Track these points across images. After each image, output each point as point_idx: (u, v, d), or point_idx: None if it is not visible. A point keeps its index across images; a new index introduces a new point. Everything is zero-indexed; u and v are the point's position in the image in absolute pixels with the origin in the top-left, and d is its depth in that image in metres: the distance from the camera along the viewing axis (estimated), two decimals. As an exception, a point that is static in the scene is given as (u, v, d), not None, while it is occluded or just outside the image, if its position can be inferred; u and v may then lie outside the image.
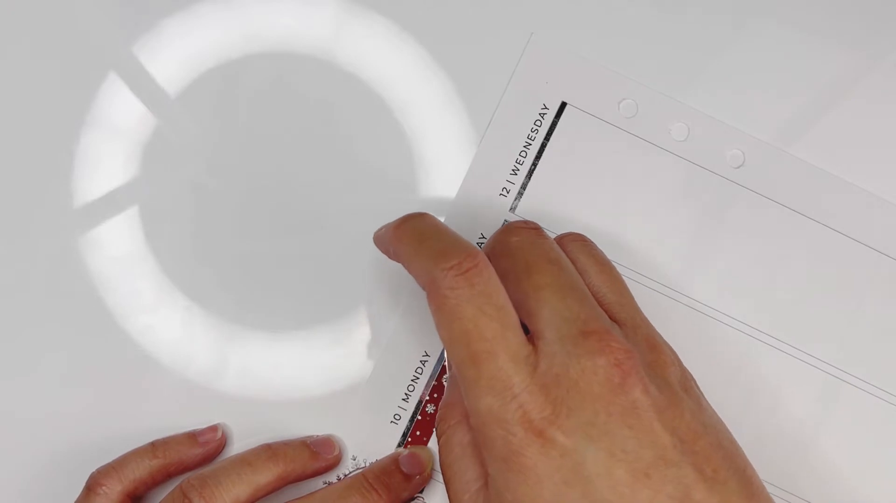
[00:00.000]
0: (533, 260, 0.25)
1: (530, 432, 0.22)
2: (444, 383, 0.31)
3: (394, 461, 0.30)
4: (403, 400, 0.31)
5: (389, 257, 0.27)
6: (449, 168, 0.31)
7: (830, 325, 0.31)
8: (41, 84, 0.32)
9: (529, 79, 0.31)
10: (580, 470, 0.22)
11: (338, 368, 0.31)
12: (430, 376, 0.31)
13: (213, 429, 0.31)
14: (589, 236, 0.29)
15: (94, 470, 0.29)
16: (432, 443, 0.31)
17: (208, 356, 0.31)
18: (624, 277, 0.28)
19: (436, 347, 0.31)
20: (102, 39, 0.32)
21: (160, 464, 0.30)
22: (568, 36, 0.31)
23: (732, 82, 0.31)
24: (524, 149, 0.31)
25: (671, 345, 0.26)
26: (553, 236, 0.28)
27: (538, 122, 0.31)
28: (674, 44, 0.31)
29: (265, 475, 0.29)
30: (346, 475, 0.31)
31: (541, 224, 0.28)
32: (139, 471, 0.29)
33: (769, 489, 0.25)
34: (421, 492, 0.31)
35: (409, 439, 0.31)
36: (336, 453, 0.30)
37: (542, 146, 0.31)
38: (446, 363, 0.31)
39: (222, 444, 0.31)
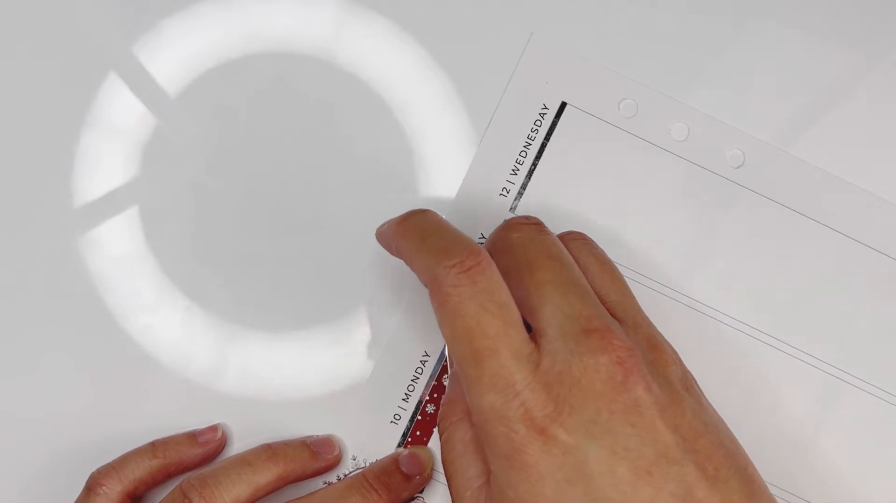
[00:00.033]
0: (534, 256, 0.25)
1: (532, 430, 0.23)
2: (445, 383, 0.31)
3: (394, 461, 0.30)
4: (403, 400, 0.31)
5: (392, 253, 0.27)
6: (449, 168, 0.31)
7: (830, 325, 0.31)
8: (41, 84, 0.32)
9: (529, 79, 0.31)
10: (582, 468, 0.22)
11: (338, 368, 0.31)
12: (430, 376, 0.31)
13: (213, 429, 0.31)
14: (589, 236, 0.29)
15: (94, 470, 0.29)
16: (432, 443, 0.31)
17: (208, 356, 0.31)
18: (624, 277, 0.28)
19: (436, 347, 0.31)
20: (102, 39, 0.32)
21: (160, 464, 0.30)
22: (568, 36, 0.31)
23: (732, 82, 0.31)
24: (524, 149, 0.31)
25: (671, 344, 0.26)
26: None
27: (538, 122, 0.31)
28: (674, 44, 0.31)
29: (265, 475, 0.29)
30: (346, 475, 0.31)
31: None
32: (139, 471, 0.29)
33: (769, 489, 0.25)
34: (421, 492, 0.31)
35: (409, 439, 0.31)
36: (336, 453, 0.30)
37: (542, 146, 0.31)
38: (448, 361, 0.31)
39: (222, 444, 0.31)
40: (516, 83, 0.31)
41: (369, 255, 0.31)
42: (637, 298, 0.27)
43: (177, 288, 0.32)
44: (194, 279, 0.32)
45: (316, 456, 0.30)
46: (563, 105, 0.31)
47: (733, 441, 0.24)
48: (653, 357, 0.25)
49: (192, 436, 0.30)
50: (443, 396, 0.29)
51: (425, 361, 0.31)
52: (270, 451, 0.29)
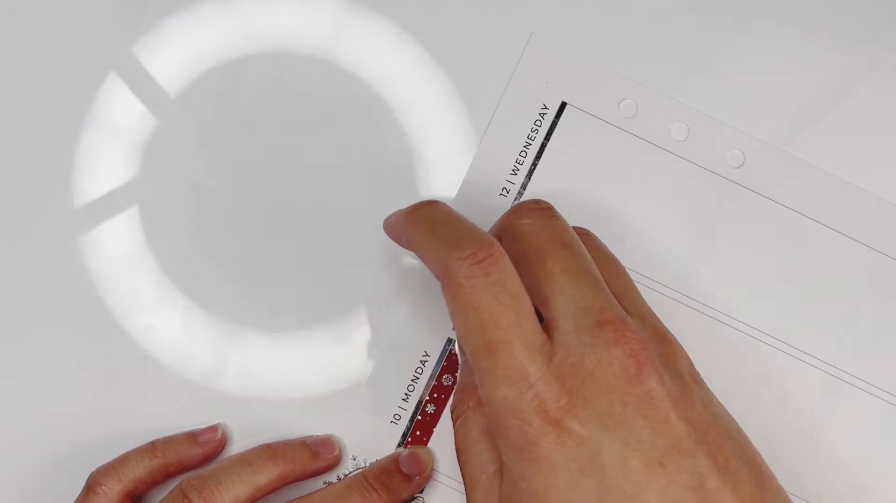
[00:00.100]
0: (546, 244, 0.25)
1: (546, 422, 0.22)
2: (445, 383, 0.31)
3: (394, 461, 0.30)
4: (403, 400, 0.31)
5: (400, 245, 0.27)
6: (449, 168, 0.31)
7: (830, 325, 0.31)
8: (41, 84, 0.32)
9: (529, 79, 0.31)
10: (596, 459, 0.22)
11: (338, 368, 0.31)
12: (430, 376, 0.31)
13: (213, 429, 0.31)
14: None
15: (93, 469, 0.29)
16: (432, 443, 0.31)
17: (208, 356, 0.31)
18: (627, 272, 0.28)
19: (436, 347, 0.31)
20: (102, 39, 0.32)
21: (160, 463, 0.30)
22: (568, 36, 0.31)
23: (732, 82, 0.31)
24: (524, 149, 0.31)
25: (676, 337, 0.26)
26: None
27: (538, 122, 0.31)
28: (674, 44, 0.31)
29: (265, 475, 0.29)
30: (346, 475, 0.31)
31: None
32: (139, 471, 0.29)
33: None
34: (421, 492, 0.31)
35: (409, 439, 0.31)
36: (336, 453, 0.30)
37: (542, 146, 0.31)
38: (457, 351, 0.31)
39: (222, 444, 0.31)
40: (516, 83, 0.31)
41: (370, 255, 0.31)
42: (637, 298, 0.27)
43: (177, 288, 0.32)
44: (194, 279, 0.32)
45: (316, 456, 0.30)
46: (563, 105, 0.31)
47: (740, 433, 0.25)
48: (662, 350, 0.25)
49: (192, 436, 0.30)
50: (455, 385, 0.29)
51: (425, 361, 0.31)
52: (270, 451, 0.29)
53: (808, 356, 0.31)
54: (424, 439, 0.31)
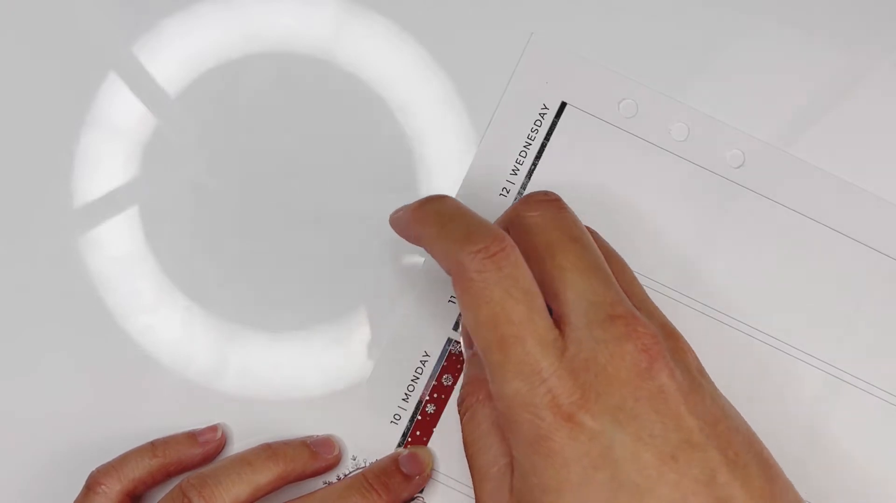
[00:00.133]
0: (555, 238, 0.25)
1: (559, 417, 0.22)
2: (445, 383, 0.31)
3: (393, 461, 0.30)
4: (403, 400, 0.31)
5: (408, 240, 0.27)
6: (449, 168, 0.31)
7: (830, 325, 0.31)
8: (41, 84, 0.32)
9: (529, 79, 0.31)
10: (608, 454, 0.22)
11: (338, 368, 0.31)
12: (430, 376, 0.31)
13: (213, 429, 0.31)
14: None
15: (93, 469, 0.29)
16: (432, 443, 0.31)
17: (208, 356, 0.31)
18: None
19: (436, 347, 0.31)
20: (102, 39, 0.32)
21: (160, 463, 0.30)
22: (568, 36, 0.31)
23: (732, 82, 0.31)
24: (524, 149, 0.31)
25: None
26: None
27: (538, 122, 0.31)
28: (674, 44, 0.31)
29: (265, 475, 0.29)
30: (346, 475, 0.31)
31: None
32: (139, 471, 0.29)
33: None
34: (421, 492, 0.31)
35: (409, 439, 0.31)
36: (336, 453, 0.30)
37: (542, 146, 0.31)
38: (461, 346, 0.31)
39: (222, 444, 0.31)
40: (516, 83, 0.31)
41: (369, 255, 0.31)
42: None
43: (177, 288, 0.32)
44: (194, 279, 0.32)
45: (316, 456, 0.30)
46: (563, 105, 0.31)
47: (747, 427, 0.25)
48: (670, 344, 0.25)
49: (192, 436, 0.30)
50: (456, 384, 0.28)
51: (425, 361, 0.31)
52: (270, 451, 0.29)
53: (808, 356, 0.31)
54: (424, 439, 0.31)
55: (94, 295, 0.32)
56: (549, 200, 0.26)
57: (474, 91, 0.31)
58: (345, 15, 0.32)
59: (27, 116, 0.32)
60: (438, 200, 0.26)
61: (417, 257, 0.31)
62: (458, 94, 0.31)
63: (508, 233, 0.25)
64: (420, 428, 0.31)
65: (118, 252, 0.32)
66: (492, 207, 0.31)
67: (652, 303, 0.27)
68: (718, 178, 0.31)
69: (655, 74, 0.31)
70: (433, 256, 0.25)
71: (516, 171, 0.31)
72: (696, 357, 0.26)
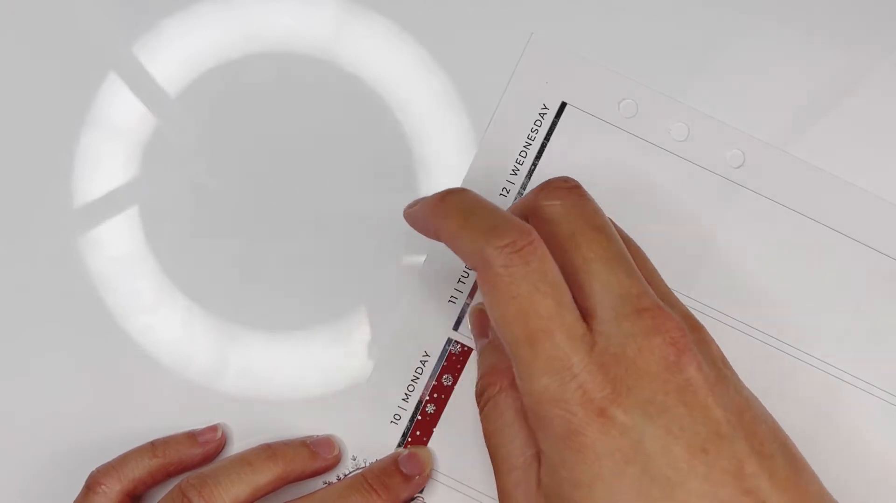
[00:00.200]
0: (579, 228, 0.25)
1: (591, 411, 0.22)
2: (445, 383, 0.31)
3: (393, 461, 0.30)
4: (403, 400, 0.31)
5: (425, 234, 0.27)
6: (449, 168, 0.31)
7: (830, 325, 0.31)
8: (41, 84, 0.32)
9: (529, 79, 0.31)
10: (640, 447, 0.22)
11: (338, 368, 0.31)
12: (430, 376, 0.31)
13: (213, 429, 0.31)
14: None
15: (93, 469, 0.29)
16: (432, 443, 0.31)
17: (208, 356, 0.31)
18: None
19: (436, 347, 0.31)
20: (102, 39, 0.32)
21: (160, 463, 0.30)
22: (568, 36, 0.31)
23: (732, 82, 0.31)
24: (524, 149, 0.31)
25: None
26: None
27: (538, 122, 0.31)
28: (674, 44, 0.31)
29: (265, 475, 0.29)
30: (346, 475, 0.31)
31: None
32: (139, 471, 0.29)
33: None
34: (421, 492, 0.31)
35: (409, 439, 0.31)
36: (336, 453, 0.30)
37: (542, 146, 0.31)
38: (474, 337, 0.30)
39: (222, 444, 0.31)
40: (516, 83, 0.31)
41: (369, 255, 0.31)
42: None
43: (177, 288, 0.32)
44: (194, 279, 0.32)
45: (315, 456, 0.30)
46: (563, 105, 0.31)
47: (771, 416, 0.25)
48: (695, 336, 0.25)
49: (192, 436, 0.30)
50: (479, 370, 0.28)
51: (425, 361, 0.31)
52: (270, 451, 0.29)
53: (808, 356, 0.31)
54: (424, 439, 0.31)
55: (94, 295, 0.32)
56: (570, 188, 0.26)
57: (474, 91, 0.31)
58: (345, 15, 0.32)
59: (27, 116, 0.32)
60: (459, 193, 0.25)
61: (417, 257, 0.31)
62: (458, 94, 0.31)
63: (527, 221, 0.25)
64: (420, 428, 0.31)
65: (118, 252, 0.32)
66: (492, 207, 0.31)
67: (672, 293, 0.27)
68: (718, 178, 0.31)
69: (655, 74, 0.31)
70: (455, 251, 0.25)
71: (516, 171, 0.31)
72: (719, 347, 0.26)
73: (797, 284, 0.31)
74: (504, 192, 0.31)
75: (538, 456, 0.25)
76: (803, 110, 0.31)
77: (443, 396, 0.31)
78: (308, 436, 0.31)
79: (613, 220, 0.29)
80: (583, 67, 0.31)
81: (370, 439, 0.31)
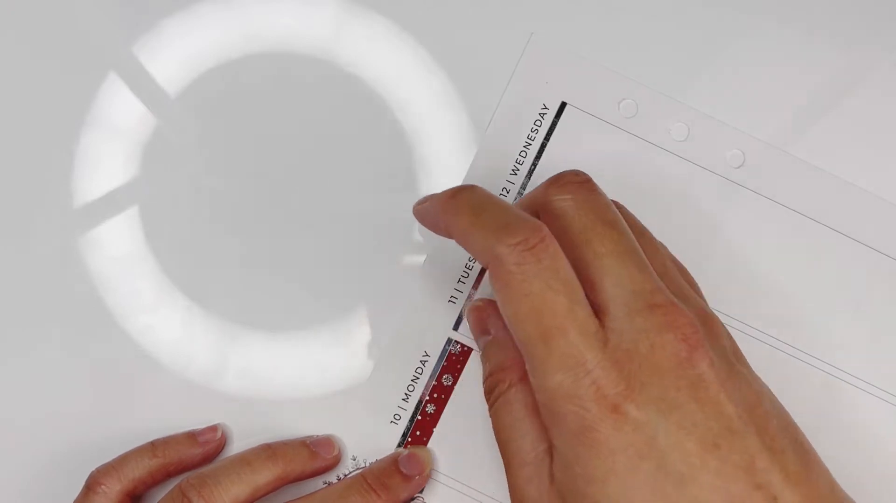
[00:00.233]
0: (590, 223, 0.25)
1: (604, 408, 0.22)
2: (445, 383, 0.31)
3: (393, 461, 0.30)
4: (403, 400, 0.31)
5: (435, 231, 0.27)
6: (449, 168, 0.31)
7: (830, 325, 0.30)
8: (41, 84, 0.32)
9: (529, 79, 0.31)
10: (653, 443, 0.22)
11: (338, 368, 0.31)
12: (430, 376, 0.31)
13: (213, 429, 0.31)
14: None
15: (93, 469, 0.29)
16: (432, 443, 0.31)
17: (208, 356, 0.31)
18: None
19: (436, 347, 0.31)
20: (102, 39, 0.32)
21: (160, 463, 0.30)
22: (568, 36, 0.31)
23: (732, 82, 0.31)
24: (524, 149, 0.31)
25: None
26: None
27: (538, 122, 0.31)
28: (674, 44, 0.31)
29: (264, 475, 0.29)
30: (345, 475, 0.31)
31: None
32: (138, 471, 0.29)
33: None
34: (421, 492, 0.31)
35: (409, 439, 0.31)
36: (336, 453, 0.30)
37: (542, 146, 0.31)
38: (475, 335, 0.30)
39: (222, 444, 0.31)
40: (516, 83, 0.31)
41: (370, 255, 0.31)
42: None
43: (177, 288, 0.32)
44: (194, 279, 0.32)
45: (315, 456, 0.30)
46: (563, 105, 0.31)
47: (783, 409, 0.25)
48: (707, 330, 0.25)
49: (192, 436, 0.30)
50: (485, 369, 0.28)
51: (425, 361, 0.31)
52: (270, 451, 0.29)
53: (808, 356, 0.31)
54: (424, 439, 0.31)
55: (94, 295, 0.32)
56: (581, 181, 0.26)
57: (474, 91, 0.31)
58: (345, 15, 0.32)
59: (27, 116, 0.32)
60: (470, 190, 0.25)
61: (417, 257, 0.31)
62: (458, 94, 0.31)
63: (537, 215, 0.25)
64: (420, 428, 0.31)
65: (118, 252, 0.32)
66: (492, 207, 0.31)
67: (685, 285, 0.26)
68: (718, 178, 0.31)
69: (655, 74, 0.31)
70: (465, 248, 0.25)
71: (516, 171, 0.31)
72: (732, 339, 0.26)
73: (797, 284, 0.31)
74: (504, 192, 0.31)
75: (550, 451, 0.25)
76: (803, 110, 0.31)
77: (443, 396, 0.31)
78: (308, 436, 0.31)
79: (627, 209, 0.29)
80: (583, 67, 0.31)
81: (370, 439, 0.31)
